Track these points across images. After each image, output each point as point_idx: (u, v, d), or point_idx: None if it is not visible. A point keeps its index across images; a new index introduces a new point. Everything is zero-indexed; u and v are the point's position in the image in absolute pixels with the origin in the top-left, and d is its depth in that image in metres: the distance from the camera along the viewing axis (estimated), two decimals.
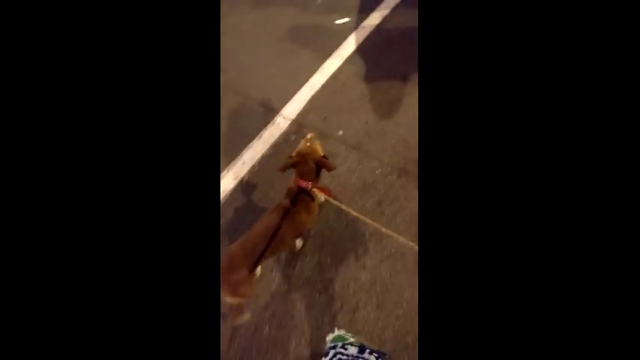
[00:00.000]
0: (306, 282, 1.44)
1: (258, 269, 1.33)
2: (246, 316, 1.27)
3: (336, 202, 1.24)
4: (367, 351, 0.89)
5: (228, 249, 1.15)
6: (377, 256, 1.45)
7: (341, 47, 2.26)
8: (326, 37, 2.34)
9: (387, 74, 2.05)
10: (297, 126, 1.95)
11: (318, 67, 2.19)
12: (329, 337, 1.08)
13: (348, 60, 2.19)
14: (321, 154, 1.32)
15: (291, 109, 2.03)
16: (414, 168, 1.64)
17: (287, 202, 1.23)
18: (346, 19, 2.40)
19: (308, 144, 1.31)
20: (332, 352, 0.90)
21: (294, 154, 1.31)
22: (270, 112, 2.04)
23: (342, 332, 1.08)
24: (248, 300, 1.24)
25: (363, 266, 1.44)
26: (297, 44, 2.36)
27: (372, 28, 2.31)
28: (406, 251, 1.41)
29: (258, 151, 1.88)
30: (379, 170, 1.69)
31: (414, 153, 1.69)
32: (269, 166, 1.82)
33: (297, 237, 1.44)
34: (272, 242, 1.15)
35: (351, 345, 0.92)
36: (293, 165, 1.28)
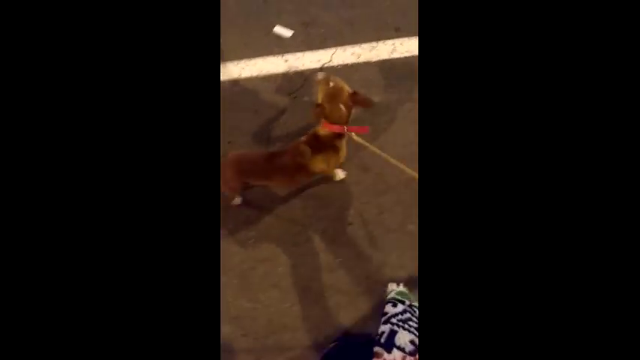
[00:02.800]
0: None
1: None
2: (238, 200, 1.34)
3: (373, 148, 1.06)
4: None
5: (232, 155, 1.17)
6: None
7: None
8: None
9: None
10: None
11: None
12: (392, 288, 1.04)
13: None
14: (350, 90, 1.09)
15: None
16: None
17: (306, 149, 1.10)
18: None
19: (331, 84, 1.10)
20: (402, 307, 0.85)
21: (320, 99, 1.11)
22: None
23: (405, 289, 1.03)
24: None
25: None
26: None
27: None
28: None
29: None
30: None
31: None
32: None
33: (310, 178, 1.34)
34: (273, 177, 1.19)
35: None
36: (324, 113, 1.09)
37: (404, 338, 0.74)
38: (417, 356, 0.72)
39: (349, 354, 0.98)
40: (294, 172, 1.15)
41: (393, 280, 1.07)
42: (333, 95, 1.08)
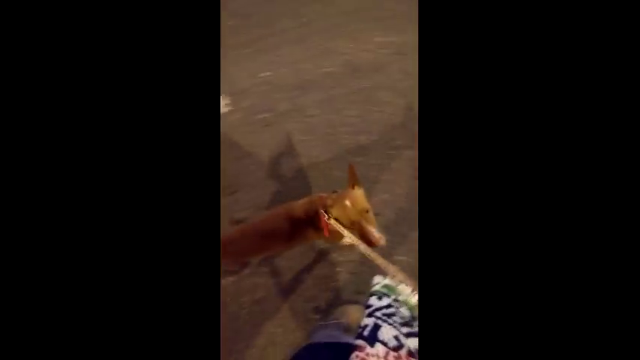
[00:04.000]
0: None
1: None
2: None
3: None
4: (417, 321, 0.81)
5: (226, 235, 1.10)
6: None
7: None
8: None
9: None
10: None
11: None
12: (378, 281, 1.01)
13: None
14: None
15: None
16: None
17: (300, 212, 1.08)
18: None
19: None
20: (387, 300, 0.83)
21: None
22: None
23: (392, 282, 1.01)
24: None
25: None
26: None
27: None
28: None
29: None
30: None
31: None
32: None
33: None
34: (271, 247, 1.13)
35: (405, 306, 0.84)
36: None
37: (388, 333, 0.72)
38: (401, 352, 0.70)
39: (323, 352, 0.95)
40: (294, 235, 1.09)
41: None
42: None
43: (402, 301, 0.85)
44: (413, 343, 0.70)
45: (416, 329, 0.75)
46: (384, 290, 0.88)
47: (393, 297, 0.85)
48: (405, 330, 0.73)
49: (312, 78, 2.38)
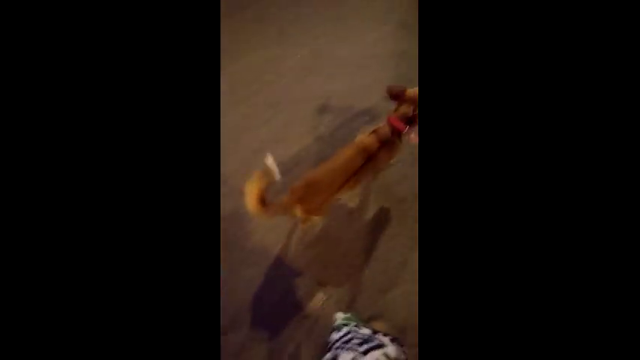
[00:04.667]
0: None
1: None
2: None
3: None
4: (380, 333, 0.81)
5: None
6: None
7: None
8: None
9: None
10: None
11: None
12: (339, 315, 1.01)
13: None
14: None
15: None
16: None
17: (373, 141, 1.20)
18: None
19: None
20: (345, 329, 0.83)
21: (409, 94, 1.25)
22: None
23: (351, 314, 1.01)
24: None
25: None
26: None
27: None
28: None
29: None
30: None
31: None
32: None
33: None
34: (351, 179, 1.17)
35: (364, 327, 0.85)
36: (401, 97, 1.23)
37: (345, 358, 0.71)
38: None
39: None
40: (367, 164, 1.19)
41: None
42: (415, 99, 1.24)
43: (363, 324, 0.85)
44: (373, 356, 0.70)
45: (376, 342, 0.75)
46: (344, 322, 0.88)
47: (353, 324, 0.85)
48: (363, 348, 0.73)
49: None
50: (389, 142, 1.22)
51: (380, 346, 0.74)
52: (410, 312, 1.27)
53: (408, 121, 1.22)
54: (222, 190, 1.73)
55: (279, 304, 1.40)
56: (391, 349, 0.72)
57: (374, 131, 1.24)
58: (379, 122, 1.31)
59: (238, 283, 1.49)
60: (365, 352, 0.72)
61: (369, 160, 1.19)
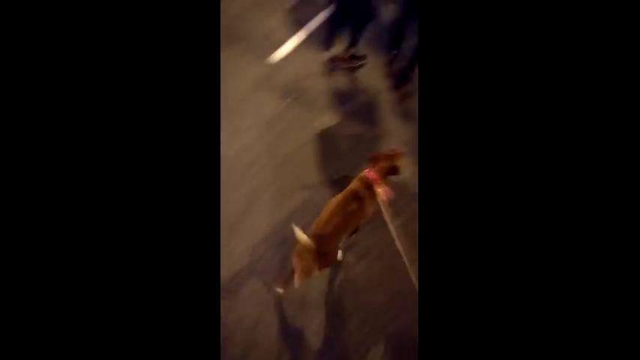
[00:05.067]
0: None
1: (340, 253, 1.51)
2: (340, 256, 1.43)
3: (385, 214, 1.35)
4: None
5: (311, 231, 1.27)
6: None
7: None
8: None
9: None
10: None
11: None
12: None
13: None
14: (399, 165, 1.44)
15: None
16: None
17: (360, 188, 1.35)
18: None
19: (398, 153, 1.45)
20: None
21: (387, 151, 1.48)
22: None
23: None
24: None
25: None
26: None
27: None
28: None
29: None
30: None
31: None
32: None
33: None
34: (348, 224, 1.32)
35: None
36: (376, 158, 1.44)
37: None
38: None
39: None
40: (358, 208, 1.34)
41: None
42: (393, 156, 1.45)
43: None
44: None
45: None
46: None
47: None
48: None
49: None
50: (370, 191, 1.38)
51: None
52: None
53: (390, 171, 1.42)
54: None
55: None
56: None
57: (359, 177, 1.43)
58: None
59: None
60: None
61: (361, 204, 1.35)
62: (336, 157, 1.93)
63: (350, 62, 2.16)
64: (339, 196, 1.37)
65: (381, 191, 1.35)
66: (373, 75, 2.20)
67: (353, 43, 2.10)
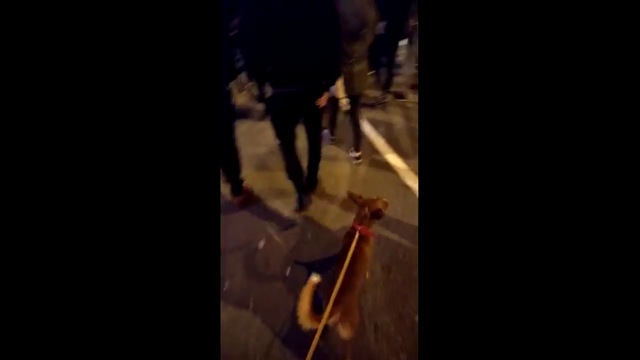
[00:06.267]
0: None
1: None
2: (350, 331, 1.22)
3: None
4: None
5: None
6: None
7: None
8: None
9: None
10: None
11: None
12: None
13: None
14: (380, 207, 1.49)
15: None
16: None
17: (350, 241, 1.35)
18: None
19: (375, 198, 1.51)
20: None
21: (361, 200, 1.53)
22: None
23: None
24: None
25: None
26: None
27: None
28: None
29: None
30: None
31: None
32: None
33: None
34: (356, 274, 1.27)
35: None
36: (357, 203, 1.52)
37: None
38: None
39: None
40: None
41: None
42: (368, 203, 1.49)
43: None
44: None
45: None
46: None
47: None
48: None
49: None
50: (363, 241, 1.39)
51: None
52: None
53: (374, 216, 1.47)
54: None
55: None
56: None
57: (348, 233, 1.45)
58: None
59: None
60: None
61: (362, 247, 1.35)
62: None
63: None
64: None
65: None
66: None
67: None
